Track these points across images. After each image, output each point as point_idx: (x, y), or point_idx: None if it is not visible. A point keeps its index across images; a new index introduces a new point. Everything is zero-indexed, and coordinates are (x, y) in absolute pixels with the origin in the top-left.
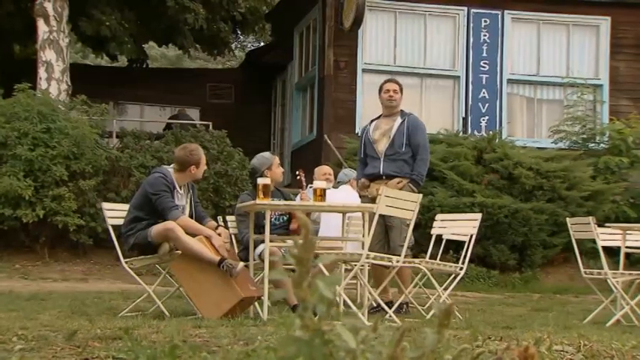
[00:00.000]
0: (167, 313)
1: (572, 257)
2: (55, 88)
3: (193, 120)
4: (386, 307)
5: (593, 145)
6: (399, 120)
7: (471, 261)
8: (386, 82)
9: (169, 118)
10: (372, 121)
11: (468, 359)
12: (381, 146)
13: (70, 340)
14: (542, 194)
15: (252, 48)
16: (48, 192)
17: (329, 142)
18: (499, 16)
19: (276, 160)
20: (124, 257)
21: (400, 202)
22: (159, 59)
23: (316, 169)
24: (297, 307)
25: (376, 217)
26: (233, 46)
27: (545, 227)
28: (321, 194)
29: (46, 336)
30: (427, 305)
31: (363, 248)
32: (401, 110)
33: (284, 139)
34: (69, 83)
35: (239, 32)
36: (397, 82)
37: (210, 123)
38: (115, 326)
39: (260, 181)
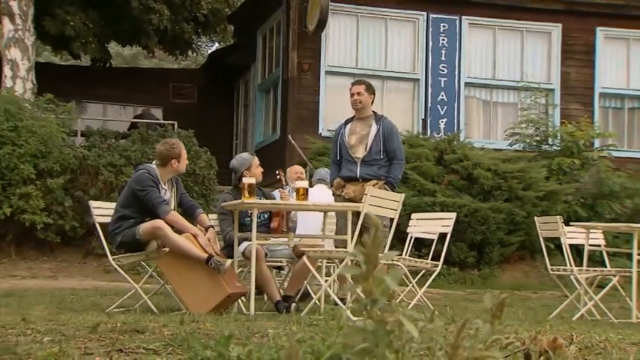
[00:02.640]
0: (155, 309)
1: (527, 255)
2: (20, 87)
3: (158, 119)
4: (340, 304)
5: (546, 147)
6: (374, 126)
7: (433, 258)
8: (351, 84)
9: (134, 117)
10: (346, 122)
11: (497, 349)
12: (359, 153)
13: (93, 332)
14: (500, 194)
15: (209, 48)
16: (15, 190)
17: (293, 142)
18: (457, 21)
19: (256, 160)
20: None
21: (384, 202)
22: (114, 58)
23: (288, 168)
24: (280, 303)
25: (349, 216)
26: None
27: (502, 226)
28: (304, 193)
29: (59, 330)
30: (398, 300)
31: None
32: (374, 113)
33: (247, 139)
34: (34, 82)
35: (200, 33)
36: (363, 82)
37: (176, 123)
38: (127, 321)
39: (245, 180)
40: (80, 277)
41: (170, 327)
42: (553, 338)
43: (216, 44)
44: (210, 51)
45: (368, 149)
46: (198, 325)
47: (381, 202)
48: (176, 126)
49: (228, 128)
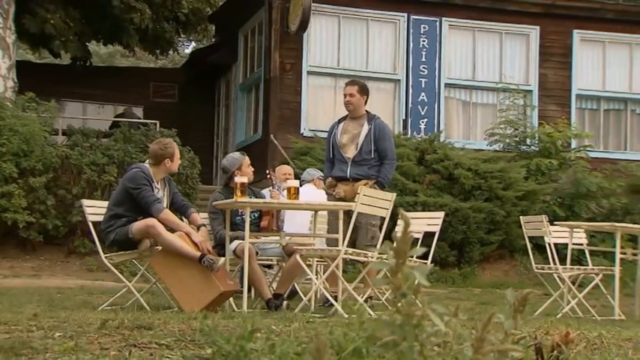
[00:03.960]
0: (147, 307)
1: (507, 254)
2: (1, 85)
3: (140, 118)
4: (333, 301)
5: (524, 147)
6: (366, 126)
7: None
8: (345, 85)
9: (116, 116)
10: (339, 121)
11: (509, 343)
12: (350, 153)
13: (102, 328)
14: (480, 194)
15: (186, 47)
16: None
17: (275, 142)
18: (437, 23)
19: (247, 160)
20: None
21: (376, 201)
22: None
23: (277, 168)
24: (271, 301)
25: (341, 215)
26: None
27: (482, 225)
28: (295, 192)
29: (63, 327)
30: (385, 297)
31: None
32: (367, 112)
33: (228, 138)
34: (15, 80)
35: (181, 32)
36: (356, 84)
37: (158, 122)
38: (128, 318)
39: (237, 180)
40: (63, 275)
41: (172, 323)
42: (565, 333)
43: (193, 43)
44: (186, 50)
45: (359, 149)
46: (197, 322)
47: (374, 202)
48: (158, 125)
49: (209, 128)
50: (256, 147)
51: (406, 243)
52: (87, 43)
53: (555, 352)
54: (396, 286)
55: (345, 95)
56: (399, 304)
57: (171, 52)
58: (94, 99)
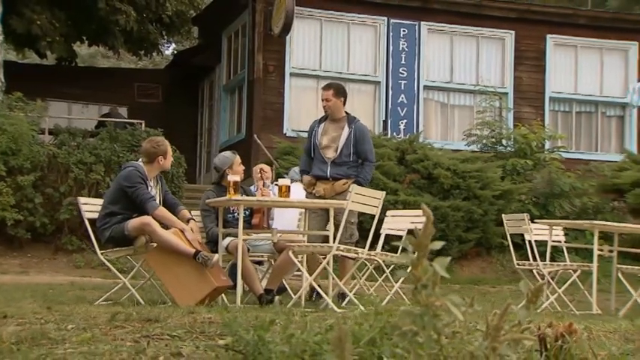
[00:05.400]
0: (142, 302)
1: (483, 251)
2: None
3: (125, 118)
4: (325, 296)
5: (501, 148)
6: (346, 129)
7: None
8: (322, 89)
9: (102, 116)
10: (320, 120)
11: (519, 332)
12: (330, 154)
13: (112, 320)
14: (458, 193)
15: (166, 49)
16: None
17: (259, 142)
18: (416, 26)
19: (237, 159)
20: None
21: (366, 199)
22: None
23: (254, 167)
24: (263, 297)
25: (332, 212)
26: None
27: (460, 223)
28: (287, 191)
29: (70, 320)
30: (371, 292)
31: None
32: (347, 114)
33: (211, 138)
34: (2, 80)
35: (165, 34)
36: (331, 87)
37: (143, 121)
38: (138, 311)
39: (230, 178)
40: (51, 272)
41: (175, 317)
42: (569, 324)
43: (174, 45)
44: (167, 51)
45: (339, 152)
46: (196, 316)
47: (364, 200)
48: (143, 125)
49: (193, 128)
50: (240, 147)
51: (427, 237)
52: (73, 44)
53: (560, 341)
54: (417, 278)
55: (323, 100)
56: (419, 295)
57: (154, 53)
58: (79, 99)
